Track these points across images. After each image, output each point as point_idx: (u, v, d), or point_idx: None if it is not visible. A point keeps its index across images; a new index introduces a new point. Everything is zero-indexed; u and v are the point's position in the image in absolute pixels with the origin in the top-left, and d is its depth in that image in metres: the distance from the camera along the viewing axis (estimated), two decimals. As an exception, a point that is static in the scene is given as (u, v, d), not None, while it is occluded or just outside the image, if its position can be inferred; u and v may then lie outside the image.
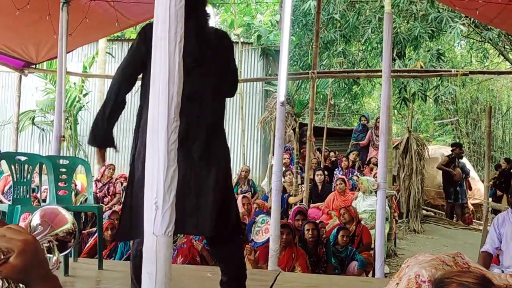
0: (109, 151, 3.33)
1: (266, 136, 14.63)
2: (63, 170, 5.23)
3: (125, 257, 6.14)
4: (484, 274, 1.25)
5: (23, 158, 5.20)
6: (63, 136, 6.73)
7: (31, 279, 1.10)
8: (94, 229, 6.93)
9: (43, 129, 13.98)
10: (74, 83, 13.64)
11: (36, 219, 1.37)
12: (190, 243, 5.99)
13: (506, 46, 14.89)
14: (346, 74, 11.40)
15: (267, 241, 5.64)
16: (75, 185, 8.99)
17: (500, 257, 4.40)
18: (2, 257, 1.08)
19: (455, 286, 1.22)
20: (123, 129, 15.02)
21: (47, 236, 1.32)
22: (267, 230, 6.12)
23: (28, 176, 5.04)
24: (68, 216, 1.39)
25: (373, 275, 5.60)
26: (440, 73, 10.11)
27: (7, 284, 1.12)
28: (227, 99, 3.31)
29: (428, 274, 1.40)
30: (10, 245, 1.08)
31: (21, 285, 1.13)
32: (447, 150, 14.45)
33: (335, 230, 6.84)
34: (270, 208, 6.68)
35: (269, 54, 15.25)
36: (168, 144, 2.38)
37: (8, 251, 1.08)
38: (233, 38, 16.67)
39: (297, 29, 14.31)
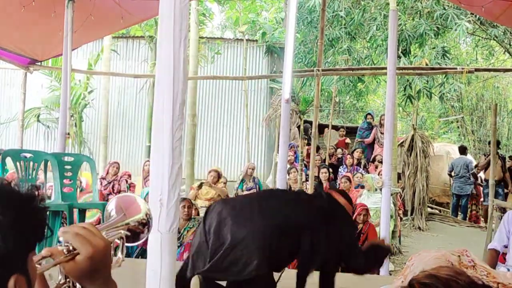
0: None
1: (271, 134, 14.62)
2: (68, 167, 5.25)
3: (136, 254, 6.15)
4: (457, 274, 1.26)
5: (28, 155, 5.22)
6: (68, 133, 6.75)
7: (90, 282, 1.13)
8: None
9: (48, 126, 14.01)
10: (79, 80, 13.66)
11: (111, 205, 1.33)
12: (197, 239, 5.98)
13: (511, 43, 14.82)
14: (351, 71, 11.36)
15: None
16: (80, 182, 9.01)
17: (507, 256, 4.35)
18: (67, 254, 1.09)
19: None
20: (128, 127, 15.06)
21: (119, 223, 1.29)
22: None
23: (34, 173, 5.06)
24: (143, 206, 1.34)
25: (378, 273, 5.60)
26: (445, 70, 10.06)
27: (64, 280, 1.13)
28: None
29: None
30: (80, 246, 1.10)
31: (78, 285, 1.14)
32: (452, 148, 14.40)
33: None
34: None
35: (274, 52, 15.24)
36: (173, 141, 2.38)
37: (76, 250, 1.10)
38: (238, 35, 16.68)
39: (302, 27, 14.30)
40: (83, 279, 1.12)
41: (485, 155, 12.01)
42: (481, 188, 12.47)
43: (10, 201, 0.97)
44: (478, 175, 12.46)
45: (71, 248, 1.10)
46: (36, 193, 1.02)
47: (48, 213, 1.07)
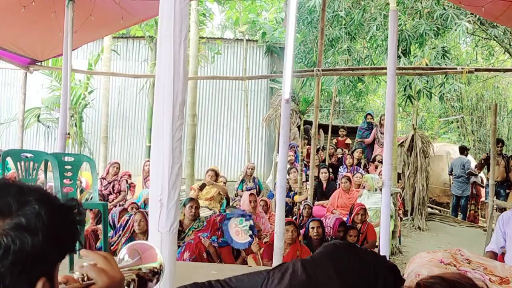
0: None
1: (271, 134, 14.63)
2: (68, 167, 5.24)
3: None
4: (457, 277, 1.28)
5: (28, 155, 5.21)
6: (68, 133, 6.74)
7: None
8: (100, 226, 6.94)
9: (48, 126, 14.01)
10: (79, 81, 13.66)
11: (124, 251, 1.33)
12: (198, 239, 6.00)
13: (511, 44, 14.82)
14: (351, 71, 11.36)
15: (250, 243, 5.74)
16: (80, 182, 9.01)
17: (505, 256, 4.34)
18: (82, 282, 1.11)
19: None
20: (128, 127, 15.07)
21: (134, 266, 1.29)
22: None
23: (34, 173, 5.05)
24: (159, 256, 1.34)
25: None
26: (445, 70, 10.05)
27: None
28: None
29: (428, 272, 1.40)
30: (97, 277, 1.11)
31: None
32: (452, 148, 14.41)
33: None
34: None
35: (274, 52, 15.25)
36: (173, 141, 2.38)
37: (90, 280, 1.11)
38: (238, 35, 16.69)
39: (302, 27, 14.30)
40: None
41: (487, 154, 11.99)
42: (482, 188, 12.46)
43: (56, 208, 1.00)
44: (479, 175, 12.44)
45: (86, 278, 1.12)
46: (77, 206, 1.05)
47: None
